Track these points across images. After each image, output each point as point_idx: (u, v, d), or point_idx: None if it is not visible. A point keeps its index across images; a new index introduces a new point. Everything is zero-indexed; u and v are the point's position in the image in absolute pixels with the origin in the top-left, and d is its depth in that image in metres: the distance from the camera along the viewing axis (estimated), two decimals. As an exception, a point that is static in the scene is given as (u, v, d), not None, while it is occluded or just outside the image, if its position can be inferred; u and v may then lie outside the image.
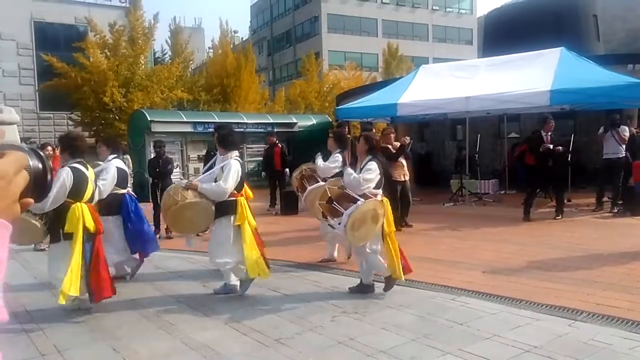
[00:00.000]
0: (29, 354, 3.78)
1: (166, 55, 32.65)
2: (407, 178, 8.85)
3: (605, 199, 9.92)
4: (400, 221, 8.77)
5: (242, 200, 5.09)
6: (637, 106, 10.55)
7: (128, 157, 14.56)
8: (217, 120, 18.97)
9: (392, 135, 8.88)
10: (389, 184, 8.49)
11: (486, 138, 13.56)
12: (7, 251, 0.66)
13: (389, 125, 10.52)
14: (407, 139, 8.98)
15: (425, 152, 16.59)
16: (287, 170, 12.07)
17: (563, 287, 4.89)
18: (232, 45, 29.21)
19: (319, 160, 6.28)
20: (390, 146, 8.73)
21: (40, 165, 0.77)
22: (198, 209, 4.89)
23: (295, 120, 21.32)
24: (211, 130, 15.90)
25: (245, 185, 5.34)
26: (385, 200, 5.05)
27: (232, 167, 4.95)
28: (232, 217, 5.01)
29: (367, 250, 4.99)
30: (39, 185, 0.76)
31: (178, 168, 16.74)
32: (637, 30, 24.69)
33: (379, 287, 5.02)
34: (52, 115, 29.96)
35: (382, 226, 4.87)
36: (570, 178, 11.11)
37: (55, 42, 29.53)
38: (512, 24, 18.23)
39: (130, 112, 19.81)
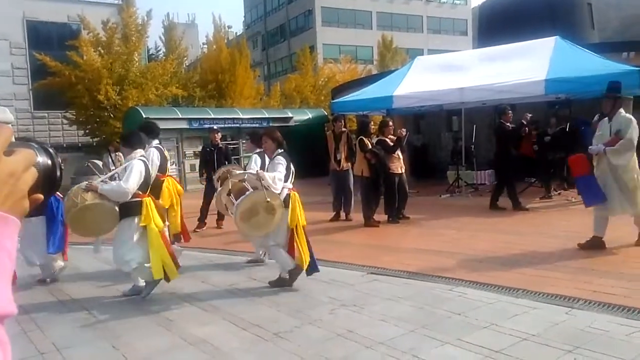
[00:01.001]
0: (27, 353, 3.78)
1: (160, 52, 32.51)
2: (403, 170, 8.85)
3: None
4: (398, 213, 8.80)
5: (147, 200, 4.99)
6: (632, 94, 10.53)
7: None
8: (212, 116, 18.94)
9: (391, 128, 8.87)
10: (386, 177, 8.55)
11: (482, 129, 13.54)
12: (16, 246, 0.68)
13: (386, 117, 10.49)
14: (404, 131, 8.98)
15: (421, 144, 16.57)
16: None
17: (560, 276, 4.91)
18: (226, 41, 29.09)
19: (253, 164, 5.94)
20: (387, 139, 8.73)
21: (49, 162, 0.80)
22: (99, 210, 4.74)
23: (290, 115, 21.30)
24: (207, 126, 15.94)
25: (173, 180, 5.25)
26: (294, 193, 5.13)
27: (135, 167, 4.87)
28: (136, 218, 4.91)
29: (271, 242, 5.05)
30: (48, 181, 0.78)
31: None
32: (631, 18, 24.66)
33: (304, 281, 5.03)
34: (46, 114, 29.84)
35: (290, 219, 4.95)
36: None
37: (48, 40, 29.35)
38: (506, 14, 18.19)
39: (125, 109, 19.74)
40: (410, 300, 4.43)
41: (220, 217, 9.49)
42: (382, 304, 4.39)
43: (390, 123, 9.01)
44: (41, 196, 0.75)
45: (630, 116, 5.72)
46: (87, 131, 23.43)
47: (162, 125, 17.05)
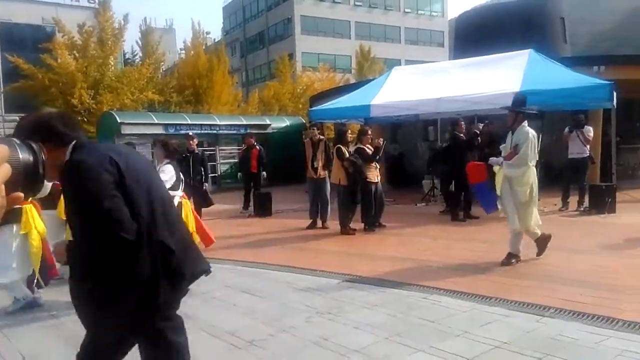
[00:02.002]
0: (-7, 363, 3.67)
1: (136, 57, 32.16)
2: (379, 179, 8.91)
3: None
4: (374, 221, 8.84)
5: (27, 207, 4.81)
6: (602, 107, 10.83)
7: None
8: (189, 122, 18.78)
9: (369, 136, 8.93)
10: (363, 185, 8.59)
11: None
12: None
13: (364, 126, 10.57)
14: (381, 141, 9.05)
15: (398, 153, 16.73)
16: (264, 173, 12.03)
17: (531, 284, 5.00)
18: (204, 47, 28.94)
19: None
20: (366, 147, 8.78)
21: (30, 158, 0.76)
22: None
23: (268, 122, 21.25)
24: (183, 132, 15.79)
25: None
26: (185, 201, 5.21)
27: None
28: (15, 226, 4.74)
29: None
30: (30, 178, 0.75)
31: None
32: (602, 33, 25.40)
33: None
34: (18, 118, 29.18)
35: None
36: (538, 177, 11.34)
37: (22, 43, 28.81)
38: (482, 26, 18.54)
39: (99, 114, 19.46)
40: (385, 308, 4.45)
41: (196, 224, 9.40)
42: (357, 312, 4.39)
43: (369, 132, 9.07)
44: (21, 194, 0.73)
45: (530, 131, 5.72)
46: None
47: (137, 130, 17.03)
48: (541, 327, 3.81)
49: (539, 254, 5.94)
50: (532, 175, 5.75)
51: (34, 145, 0.79)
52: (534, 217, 5.84)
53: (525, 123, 5.82)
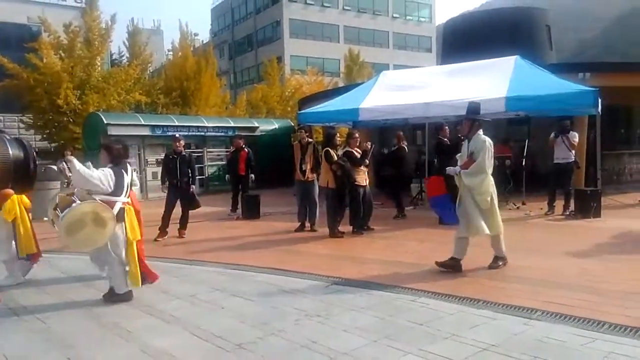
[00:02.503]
0: (-24, 366, 3.61)
1: (123, 57, 31.95)
2: (367, 182, 8.94)
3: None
4: (362, 224, 8.86)
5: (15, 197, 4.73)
6: (587, 113, 10.98)
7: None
8: (176, 123, 18.68)
9: (357, 139, 8.94)
10: (352, 188, 8.61)
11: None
12: None
13: (352, 129, 10.58)
14: (369, 144, 9.07)
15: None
16: (253, 175, 11.99)
17: (519, 287, 5.04)
18: (192, 48, 28.83)
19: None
20: (354, 151, 8.80)
21: (21, 154, 0.74)
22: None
23: (257, 125, 21.23)
24: (170, 133, 15.69)
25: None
26: (129, 207, 5.09)
27: None
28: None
29: (113, 255, 5.02)
30: (20, 174, 0.73)
31: (135, 172, 16.38)
32: (587, 41, 25.81)
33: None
34: (2, 117, 28.83)
35: (129, 232, 4.98)
36: (525, 182, 11.48)
37: (7, 42, 28.46)
38: (469, 32, 18.71)
39: (85, 114, 19.27)
40: (373, 311, 4.45)
41: (182, 226, 9.34)
42: (346, 315, 4.39)
43: (357, 135, 9.09)
44: (11, 191, 0.72)
45: (486, 139, 5.70)
46: (44, 136, 22.75)
47: (124, 131, 16.90)
48: (528, 330, 3.84)
49: (491, 266, 5.82)
50: (491, 183, 5.71)
51: (26, 142, 0.77)
52: (497, 222, 5.76)
53: (481, 131, 5.80)
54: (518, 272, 5.67)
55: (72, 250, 8.27)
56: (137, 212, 5.37)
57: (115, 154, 5.28)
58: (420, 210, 11.40)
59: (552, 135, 10.34)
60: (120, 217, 4.93)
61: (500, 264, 5.82)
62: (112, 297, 5.11)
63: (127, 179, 5.22)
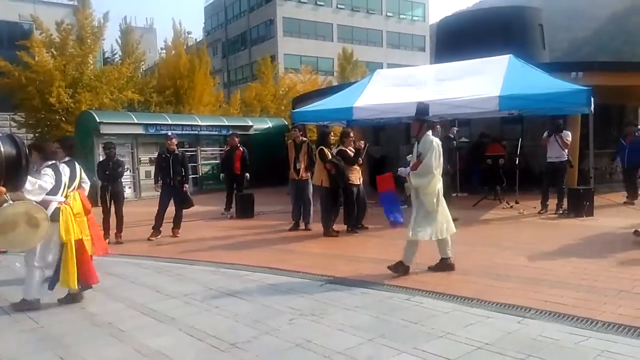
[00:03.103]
0: (-33, 366, 3.57)
1: (116, 56, 31.73)
2: (361, 181, 8.94)
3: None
4: (356, 223, 8.86)
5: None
6: (580, 112, 11.03)
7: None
8: (169, 122, 18.61)
9: (352, 138, 8.94)
10: (345, 187, 8.61)
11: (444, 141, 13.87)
12: None
13: (347, 128, 10.57)
14: (362, 143, 9.07)
15: (380, 156, 16.80)
16: (248, 174, 11.94)
17: (512, 286, 5.06)
18: (185, 47, 28.70)
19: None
20: (348, 149, 8.80)
21: (13, 151, 0.72)
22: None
23: (250, 123, 21.19)
24: (163, 132, 15.63)
25: None
26: (65, 207, 5.00)
27: None
28: None
29: (35, 264, 4.94)
30: (12, 171, 0.71)
31: (129, 171, 16.30)
32: (580, 40, 25.96)
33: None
34: (-6, 116, 28.55)
35: (62, 233, 4.88)
36: (518, 180, 11.53)
37: (-2, 39, 28.21)
38: (462, 31, 18.73)
39: (78, 113, 19.14)
40: (368, 310, 4.45)
41: (176, 225, 9.31)
42: (340, 314, 4.39)
43: (351, 134, 9.09)
44: (2, 189, 0.70)
45: (433, 139, 5.67)
46: (36, 134, 22.56)
47: (116, 130, 16.80)
48: (522, 328, 3.85)
49: (431, 268, 5.77)
50: (438, 184, 5.66)
51: (17, 139, 0.75)
52: (446, 226, 5.69)
53: (430, 132, 5.79)
54: (511, 270, 5.69)
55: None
56: (88, 212, 5.31)
57: (49, 152, 5.17)
58: (414, 209, 11.41)
59: (545, 134, 10.39)
60: (54, 217, 4.82)
61: (400, 270, 5.67)
62: (21, 304, 4.90)
63: (64, 178, 5.11)
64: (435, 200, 5.60)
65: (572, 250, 6.67)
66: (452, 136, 9.95)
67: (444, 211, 5.72)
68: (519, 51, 12.51)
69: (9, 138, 0.78)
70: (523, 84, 9.84)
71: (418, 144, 5.79)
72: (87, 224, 5.36)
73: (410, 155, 6.09)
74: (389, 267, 5.69)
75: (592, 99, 9.30)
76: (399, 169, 6.04)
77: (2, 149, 0.68)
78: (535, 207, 10.43)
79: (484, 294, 4.76)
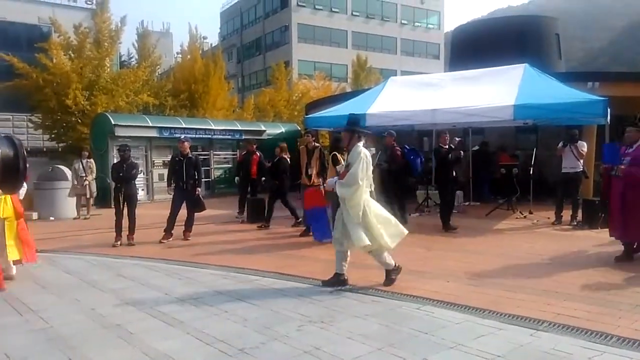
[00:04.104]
0: (-23, 365, 3.59)
1: (132, 59, 32.09)
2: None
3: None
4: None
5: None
6: (596, 123, 10.90)
7: (92, 160, 14.21)
8: (183, 125, 18.71)
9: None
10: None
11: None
12: None
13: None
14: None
15: (392, 163, 16.72)
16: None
17: (525, 297, 4.98)
18: (201, 51, 28.92)
19: None
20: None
21: (10, 153, 0.70)
22: None
23: (263, 128, 21.23)
24: (177, 135, 15.72)
25: None
26: None
27: None
28: None
29: None
30: (9, 172, 0.69)
31: (142, 173, 16.41)
32: (596, 50, 25.73)
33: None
34: (11, 117, 29.00)
35: None
36: (532, 191, 11.41)
37: (17, 41, 28.65)
38: (478, 40, 18.68)
39: (94, 115, 19.33)
40: (377, 318, 4.41)
41: (188, 228, 9.34)
42: (350, 321, 4.35)
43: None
44: None
45: (362, 150, 5.53)
46: (52, 136, 22.82)
47: (131, 132, 16.92)
48: (535, 341, 3.79)
49: (386, 284, 5.58)
50: (365, 195, 5.52)
51: (16, 140, 0.73)
52: (378, 238, 5.49)
53: (361, 143, 5.67)
54: (524, 282, 5.61)
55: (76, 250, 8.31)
56: (19, 216, 5.31)
57: None
58: (426, 218, 11.35)
59: (561, 144, 10.27)
60: None
61: (394, 277, 5.60)
62: None
63: None
64: (360, 212, 5.43)
65: (586, 263, 6.56)
66: (453, 146, 9.88)
67: (372, 223, 5.48)
68: (535, 60, 12.43)
69: (7, 139, 0.77)
70: (538, 93, 9.76)
71: (348, 154, 5.71)
72: (17, 229, 5.37)
73: (340, 166, 6.01)
74: (322, 283, 5.58)
75: (609, 110, 9.18)
76: (327, 180, 5.96)
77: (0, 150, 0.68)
78: (549, 218, 10.30)
79: (495, 305, 4.69)
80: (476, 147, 14.49)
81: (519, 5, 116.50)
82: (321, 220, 6.52)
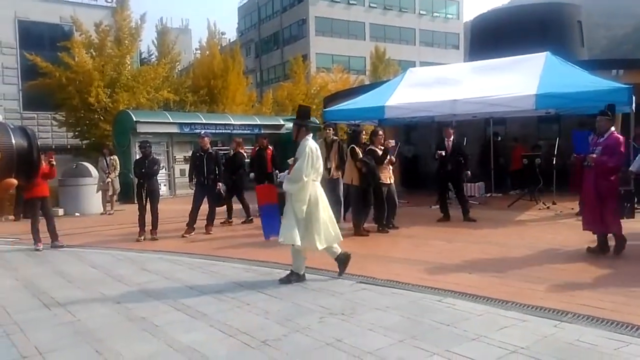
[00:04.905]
0: (9, 356, 3.70)
1: (152, 56, 32.41)
2: (392, 180, 8.87)
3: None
4: (387, 223, 8.80)
5: None
6: (621, 111, 10.66)
7: (115, 157, 14.44)
8: (203, 121, 18.88)
9: (381, 137, 8.88)
10: (376, 186, 8.55)
11: (473, 141, 13.63)
12: None
13: (377, 127, 10.51)
14: (392, 142, 9.01)
15: (412, 155, 16.64)
16: (277, 172, 12.06)
17: (548, 288, 4.93)
18: (219, 47, 29.07)
19: None
20: (377, 149, 8.74)
21: (25, 143, 0.72)
22: None
23: (282, 122, 21.28)
24: (197, 131, 15.87)
25: None
26: None
27: None
28: None
29: None
30: (23, 163, 0.71)
31: (164, 169, 16.62)
32: (620, 37, 25.15)
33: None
34: (35, 115, 29.56)
35: None
36: (555, 181, 11.24)
37: (40, 41, 29.14)
38: (498, 29, 18.40)
39: (116, 112, 19.61)
40: (399, 310, 4.41)
41: (209, 222, 9.44)
42: (371, 314, 4.36)
43: (380, 132, 9.03)
44: (14, 181, 0.69)
45: (308, 144, 5.40)
46: (76, 133, 23.24)
47: (152, 129, 17.13)
48: (559, 332, 3.75)
49: (339, 273, 5.60)
50: (312, 190, 5.38)
51: (29, 131, 0.75)
52: (323, 235, 5.41)
53: (309, 136, 5.55)
54: (547, 273, 5.55)
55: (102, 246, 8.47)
56: None
57: None
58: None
59: (592, 136, 10.05)
60: None
61: (293, 279, 5.48)
62: None
63: None
64: (304, 207, 5.32)
65: (611, 253, 6.45)
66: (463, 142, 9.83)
67: (318, 220, 5.39)
68: (557, 49, 12.21)
69: (20, 130, 0.79)
70: (560, 82, 9.60)
71: (298, 148, 5.57)
72: None
73: (291, 159, 5.89)
74: (280, 280, 5.52)
75: (633, 98, 8.98)
76: (280, 175, 5.88)
77: (14, 141, 0.69)
78: (572, 209, 10.14)
79: (518, 297, 4.65)
80: (499, 138, 14.32)
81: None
82: (272, 217, 6.48)
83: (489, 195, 13.28)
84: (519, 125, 14.44)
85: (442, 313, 4.30)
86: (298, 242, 5.32)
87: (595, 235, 6.45)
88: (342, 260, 5.65)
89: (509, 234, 8.17)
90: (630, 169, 7.88)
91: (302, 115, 5.80)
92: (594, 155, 6.27)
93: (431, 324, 4.05)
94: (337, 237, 5.61)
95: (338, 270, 5.68)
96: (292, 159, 5.77)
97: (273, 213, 6.57)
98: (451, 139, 9.76)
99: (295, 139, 5.68)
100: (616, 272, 5.52)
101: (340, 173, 9.20)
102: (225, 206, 9.72)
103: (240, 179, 10.67)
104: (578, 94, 9.11)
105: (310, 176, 5.35)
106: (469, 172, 10.68)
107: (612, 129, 6.40)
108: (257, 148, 12.77)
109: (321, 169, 5.59)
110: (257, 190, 7.49)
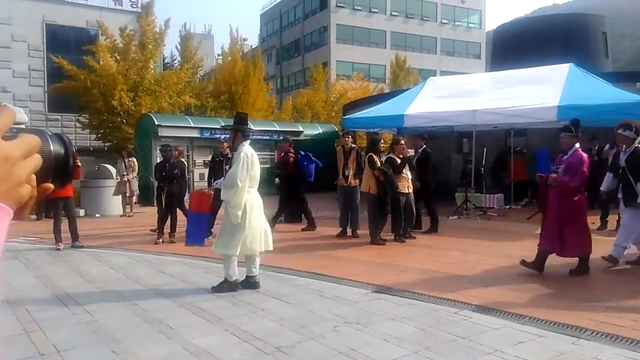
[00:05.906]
0: (28, 354, 3.77)
1: (175, 61, 32.82)
2: (410, 190, 8.82)
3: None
4: (404, 232, 8.76)
5: None
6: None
7: (134, 159, 14.65)
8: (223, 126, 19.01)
9: (402, 146, 8.83)
10: (393, 195, 8.53)
11: (493, 152, 13.52)
12: (4, 237, 0.64)
13: (398, 136, 10.50)
14: (410, 152, 8.97)
15: (431, 165, 16.55)
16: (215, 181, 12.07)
17: (567, 304, 4.85)
18: (241, 53, 29.35)
19: None
20: (396, 157, 8.72)
21: (62, 150, 0.77)
22: None
23: (301, 129, 21.37)
24: (217, 136, 16.00)
25: None
26: None
27: None
28: None
29: None
30: (60, 169, 0.76)
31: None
32: (646, 49, 24.72)
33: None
34: (60, 117, 30.10)
35: None
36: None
37: (66, 44, 29.72)
38: (520, 39, 18.26)
39: (138, 116, 19.89)
40: (414, 321, 4.39)
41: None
42: (386, 324, 4.35)
43: (402, 141, 9.00)
44: (51, 185, 0.73)
45: (243, 150, 5.38)
46: (99, 135, 23.61)
47: (173, 133, 17.32)
48: (577, 350, 3.69)
49: (214, 289, 5.53)
50: (247, 197, 5.36)
51: (65, 138, 0.80)
52: (249, 242, 5.42)
53: (246, 142, 5.52)
54: (566, 288, 5.47)
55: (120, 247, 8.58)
56: None
57: None
58: (465, 221, 11.18)
59: (608, 146, 9.92)
60: None
61: (225, 287, 5.44)
62: None
63: None
64: (239, 212, 5.30)
65: (632, 270, 6.33)
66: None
67: (253, 228, 5.41)
68: (581, 60, 12.07)
69: (57, 137, 0.82)
70: (584, 94, 9.49)
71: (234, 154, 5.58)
72: None
73: (228, 166, 5.94)
74: (212, 289, 5.48)
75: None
76: (216, 182, 5.89)
77: (52, 148, 0.72)
78: (593, 223, 9.96)
79: (536, 311, 4.59)
80: (518, 149, 14.17)
81: (565, 3, 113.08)
82: (199, 225, 6.50)
83: (507, 207, 13.13)
84: (540, 136, 14.27)
85: (458, 325, 4.26)
86: (229, 252, 5.36)
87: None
88: (246, 285, 5.57)
89: (528, 247, 8.05)
90: (601, 188, 7.69)
91: (239, 121, 5.83)
92: (555, 175, 6.06)
93: (446, 336, 4.02)
94: (267, 246, 5.67)
95: (223, 284, 5.51)
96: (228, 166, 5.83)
97: (200, 221, 6.59)
98: (420, 150, 9.79)
99: (231, 144, 5.76)
100: (637, 290, 5.41)
101: (357, 181, 9.20)
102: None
103: (180, 188, 10.39)
104: (601, 106, 9.00)
105: (245, 181, 5.34)
106: (419, 184, 10.58)
107: (577, 145, 6.17)
108: (282, 154, 12.80)
109: (257, 176, 5.58)
110: (192, 196, 7.52)
